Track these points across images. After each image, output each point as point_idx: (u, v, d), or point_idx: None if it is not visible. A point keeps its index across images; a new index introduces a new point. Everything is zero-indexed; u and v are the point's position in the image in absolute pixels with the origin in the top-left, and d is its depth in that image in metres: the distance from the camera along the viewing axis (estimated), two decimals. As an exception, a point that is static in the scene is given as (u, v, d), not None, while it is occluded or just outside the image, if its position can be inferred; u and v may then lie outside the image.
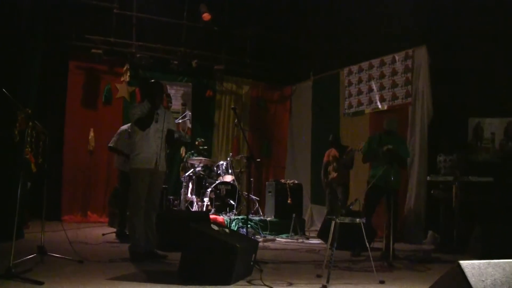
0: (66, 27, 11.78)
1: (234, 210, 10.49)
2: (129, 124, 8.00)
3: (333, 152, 9.91)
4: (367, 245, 5.93)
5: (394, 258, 6.83)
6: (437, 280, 3.56)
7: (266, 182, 11.66)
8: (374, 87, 11.19)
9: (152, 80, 7.02)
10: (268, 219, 10.34)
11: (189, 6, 12.87)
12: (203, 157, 11.35)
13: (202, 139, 11.88)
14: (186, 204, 10.79)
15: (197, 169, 11.03)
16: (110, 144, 8.94)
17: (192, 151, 11.66)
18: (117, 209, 9.41)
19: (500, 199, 8.34)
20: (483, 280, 3.19)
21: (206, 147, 11.81)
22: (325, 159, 10.11)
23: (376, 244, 8.14)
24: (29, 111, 5.58)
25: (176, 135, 7.02)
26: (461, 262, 3.24)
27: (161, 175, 6.76)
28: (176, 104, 13.04)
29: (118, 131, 9.00)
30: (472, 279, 3.17)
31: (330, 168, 9.89)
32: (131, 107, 7.02)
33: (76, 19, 11.91)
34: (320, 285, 5.10)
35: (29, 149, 5.79)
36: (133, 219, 6.51)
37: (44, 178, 6.24)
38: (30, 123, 5.55)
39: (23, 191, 5.86)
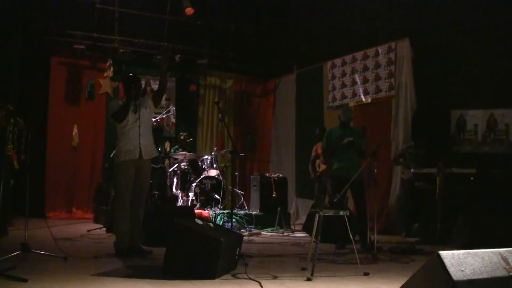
0: (47, 22, 11.65)
1: (219, 205, 10.49)
2: None
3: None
4: (351, 238, 5.98)
5: (370, 249, 6.90)
6: (417, 270, 3.60)
7: (251, 176, 11.66)
8: (358, 80, 11.23)
9: (130, 74, 7.00)
10: (253, 213, 10.35)
11: (172, 0, 12.82)
12: (187, 151, 11.34)
13: (186, 133, 11.85)
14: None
15: (182, 164, 11.02)
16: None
17: (177, 146, 11.64)
18: (103, 205, 9.41)
19: (482, 190, 8.41)
20: (462, 270, 3.23)
21: (191, 139, 11.78)
22: (313, 153, 10.16)
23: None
24: (10, 108, 5.54)
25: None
26: (441, 252, 3.28)
27: (147, 166, 6.68)
28: (160, 99, 12.99)
29: None
30: (451, 269, 3.21)
31: (319, 161, 9.93)
32: (110, 103, 6.98)
33: (57, 14, 11.79)
34: (305, 278, 5.13)
35: (11, 146, 5.75)
36: (117, 214, 6.50)
37: (26, 174, 6.20)
38: (12, 120, 5.52)
39: (6, 188, 5.83)
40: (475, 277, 3.27)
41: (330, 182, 9.49)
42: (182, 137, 11.66)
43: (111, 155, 8.99)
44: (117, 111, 6.49)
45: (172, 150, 11.51)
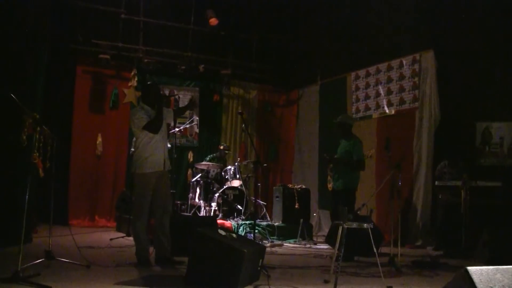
0: (73, 32, 11.79)
1: (242, 215, 10.48)
2: None
3: None
4: (375, 250, 5.92)
5: (393, 262, 6.82)
6: (444, 286, 3.54)
7: (274, 187, 11.62)
8: (382, 92, 11.17)
9: (149, 83, 7.00)
10: (276, 224, 10.31)
11: (196, 11, 12.90)
12: (223, 162, 11.50)
13: (227, 144, 11.99)
14: (194, 209, 10.79)
15: (205, 174, 11.09)
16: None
17: (214, 155, 11.79)
18: (126, 214, 9.46)
19: (508, 203, 8.29)
20: (491, 287, 3.16)
21: (230, 151, 11.86)
22: None
23: (383, 249, 8.11)
24: (37, 116, 5.58)
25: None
26: (469, 268, 3.21)
27: (167, 175, 6.74)
28: (184, 109, 13.07)
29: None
30: (480, 285, 3.14)
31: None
32: (132, 113, 6.95)
33: (83, 24, 11.94)
34: (328, 290, 5.09)
35: (37, 154, 5.79)
36: (137, 223, 6.51)
37: (51, 183, 6.26)
38: (38, 128, 5.56)
39: (31, 196, 5.88)
40: (504, 293, 3.21)
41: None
42: (222, 147, 11.82)
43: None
44: (153, 121, 6.47)
45: (208, 159, 11.62)
